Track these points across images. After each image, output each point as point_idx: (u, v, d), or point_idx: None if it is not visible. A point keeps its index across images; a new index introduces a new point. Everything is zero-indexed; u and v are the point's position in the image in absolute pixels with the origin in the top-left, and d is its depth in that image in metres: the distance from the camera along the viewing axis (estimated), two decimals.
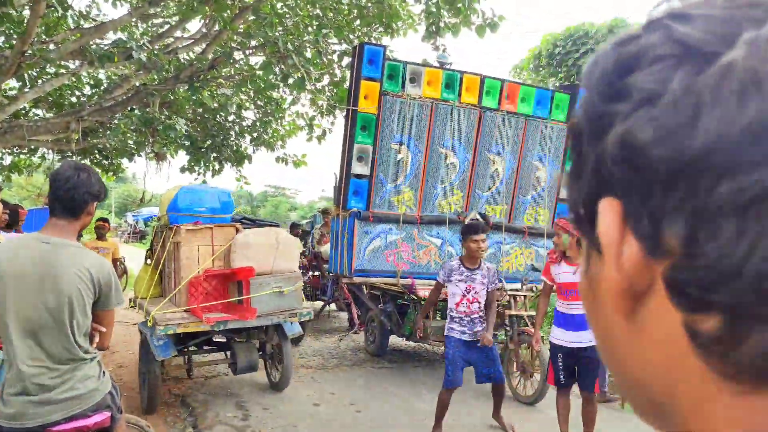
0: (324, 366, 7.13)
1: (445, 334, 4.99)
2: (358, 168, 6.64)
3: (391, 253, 6.67)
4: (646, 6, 0.36)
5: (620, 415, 5.65)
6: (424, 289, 6.48)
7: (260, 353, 5.85)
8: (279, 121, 11.57)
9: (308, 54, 7.04)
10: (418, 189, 6.87)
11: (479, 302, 4.78)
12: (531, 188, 7.34)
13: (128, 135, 8.44)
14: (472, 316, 4.77)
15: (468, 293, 4.85)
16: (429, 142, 6.83)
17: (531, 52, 10.18)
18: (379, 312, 7.31)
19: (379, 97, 6.54)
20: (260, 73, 7.95)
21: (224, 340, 5.73)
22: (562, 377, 4.27)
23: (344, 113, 8.78)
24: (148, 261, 6.18)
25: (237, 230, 5.60)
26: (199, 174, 10.42)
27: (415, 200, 6.88)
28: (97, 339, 2.26)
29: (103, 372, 2.32)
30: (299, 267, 10.58)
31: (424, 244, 6.80)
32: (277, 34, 6.78)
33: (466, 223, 6.83)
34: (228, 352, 5.73)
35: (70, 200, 2.15)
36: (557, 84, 7.39)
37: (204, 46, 8.54)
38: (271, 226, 6.58)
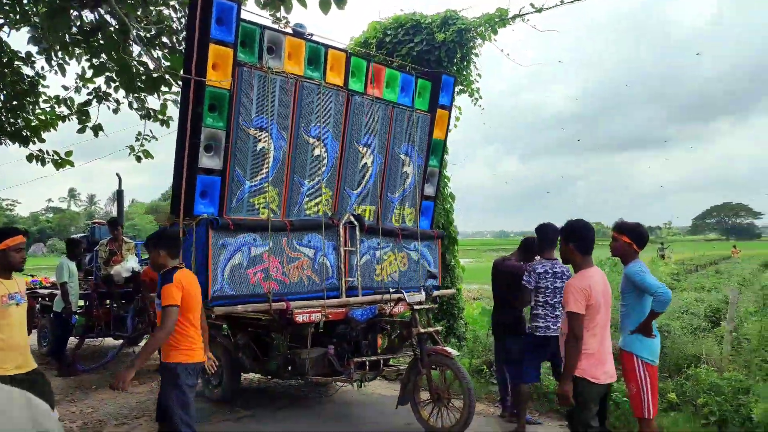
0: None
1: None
2: (206, 160, 4.98)
3: (256, 271, 5.15)
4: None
5: None
6: (302, 314, 5.14)
7: None
8: (32, 107, 8.79)
9: None
10: (282, 187, 5.48)
11: None
12: (399, 185, 6.52)
13: None
14: None
15: None
16: (293, 128, 5.50)
17: (356, 41, 9.41)
18: (233, 346, 5.68)
19: (233, 67, 4.98)
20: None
21: None
22: None
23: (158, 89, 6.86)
24: None
25: None
26: None
27: (279, 201, 5.47)
28: None
29: None
30: (85, 294, 8.12)
31: (294, 256, 5.43)
32: None
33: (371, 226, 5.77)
34: None
35: None
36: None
37: None
38: None
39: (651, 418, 3.61)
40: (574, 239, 3.46)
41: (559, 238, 3.67)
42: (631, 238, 3.84)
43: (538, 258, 5.65)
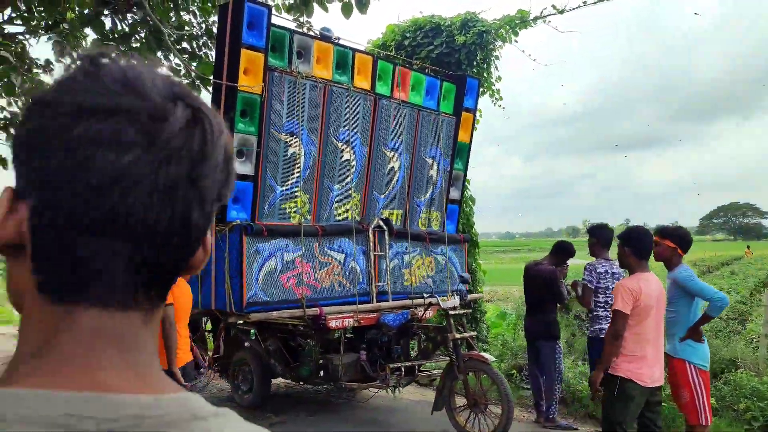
0: None
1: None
2: (238, 166, 4.95)
3: (289, 277, 5.13)
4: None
5: None
6: (334, 319, 5.11)
7: None
8: None
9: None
10: (312, 192, 5.46)
11: None
12: (425, 189, 6.49)
13: None
14: None
15: None
16: (322, 133, 5.48)
17: (374, 43, 9.38)
18: (264, 351, 5.64)
19: (264, 72, 4.97)
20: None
21: None
22: None
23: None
24: None
25: None
26: None
27: (310, 206, 5.45)
28: None
29: None
30: None
31: (325, 261, 5.40)
32: None
33: (388, 229, 5.76)
34: None
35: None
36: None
37: None
38: None
39: (707, 425, 3.56)
40: (631, 244, 3.45)
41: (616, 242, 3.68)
42: (674, 242, 3.81)
43: (568, 263, 5.62)
